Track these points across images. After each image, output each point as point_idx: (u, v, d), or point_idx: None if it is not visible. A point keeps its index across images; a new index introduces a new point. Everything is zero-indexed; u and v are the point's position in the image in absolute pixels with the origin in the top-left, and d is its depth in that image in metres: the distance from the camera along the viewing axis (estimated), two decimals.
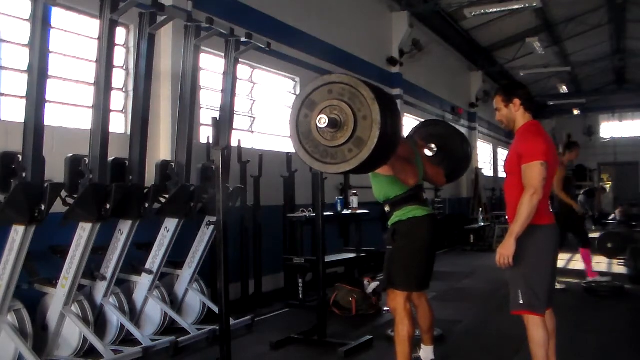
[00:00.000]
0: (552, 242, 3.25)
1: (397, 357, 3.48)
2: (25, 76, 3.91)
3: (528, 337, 3.15)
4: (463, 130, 16.33)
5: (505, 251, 3.05)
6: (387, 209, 3.68)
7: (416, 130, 4.35)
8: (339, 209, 7.20)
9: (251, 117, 7.50)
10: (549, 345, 3.13)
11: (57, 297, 4.20)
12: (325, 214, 5.55)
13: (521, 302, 3.10)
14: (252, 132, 7.50)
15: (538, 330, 3.10)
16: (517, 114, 3.27)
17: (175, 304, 5.31)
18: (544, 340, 3.09)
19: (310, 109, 2.83)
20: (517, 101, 3.25)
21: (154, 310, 4.95)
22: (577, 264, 9.65)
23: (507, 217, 3.37)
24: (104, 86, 4.15)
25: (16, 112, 4.52)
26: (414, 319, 3.63)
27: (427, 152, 4.10)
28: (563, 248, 6.99)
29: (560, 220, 6.64)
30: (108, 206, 4.14)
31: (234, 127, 5.61)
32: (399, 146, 3.10)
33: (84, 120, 5.08)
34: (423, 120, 6.70)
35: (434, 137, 4.22)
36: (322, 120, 2.72)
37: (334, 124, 2.74)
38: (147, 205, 4.59)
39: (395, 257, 3.57)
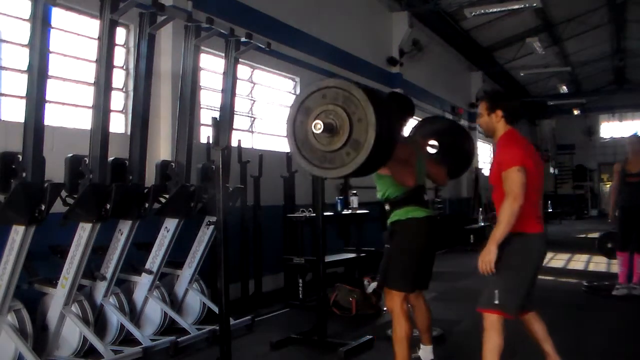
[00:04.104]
0: (538, 251, 3.25)
1: (396, 357, 3.48)
2: (25, 76, 3.90)
3: (484, 339, 3.12)
4: None
5: (487, 257, 3.08)
6: (387, 207, 3.68)
7: (418, 128, 4.29)
8: (339, 209, 7.19)
9: (251, 117, 7.50)
10: (501, 351, 3.11)
11: (57, 297, 4.19)
12: (325, 214, 5.53)
13: (496, 301, 3.11)
14: (252, 132, 7.51)
15: (497, 336, 3.09)
16: (497, 125, 3.31)
17: (175, 304, 5.30)
18: (499, 346, 3.09)
19: (306, 115, 2.82)
20: (499, 112, 3.29)
21: (154, 310, 4.94)
22: (577, 264, 9.67)
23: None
24: (104, 86, 4.14)
25: (16, 112, 4.52)
26: (412, 319, 3.63)
27: (430, 150, 4.06)
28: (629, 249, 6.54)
29: (627, 219, 6.42)
30: (108, 206, 4.13)
31: (234, 127, 5.61)
32: (398, 147, 3.09)
33: (84, 120, 5.09)
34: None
35: (436, 133, 4.17)
36: (318, 126, 2.72)
37: (329, 128, 2.73)
38: (147, 205, 4.58)
39: (392, 256, 3.56)
